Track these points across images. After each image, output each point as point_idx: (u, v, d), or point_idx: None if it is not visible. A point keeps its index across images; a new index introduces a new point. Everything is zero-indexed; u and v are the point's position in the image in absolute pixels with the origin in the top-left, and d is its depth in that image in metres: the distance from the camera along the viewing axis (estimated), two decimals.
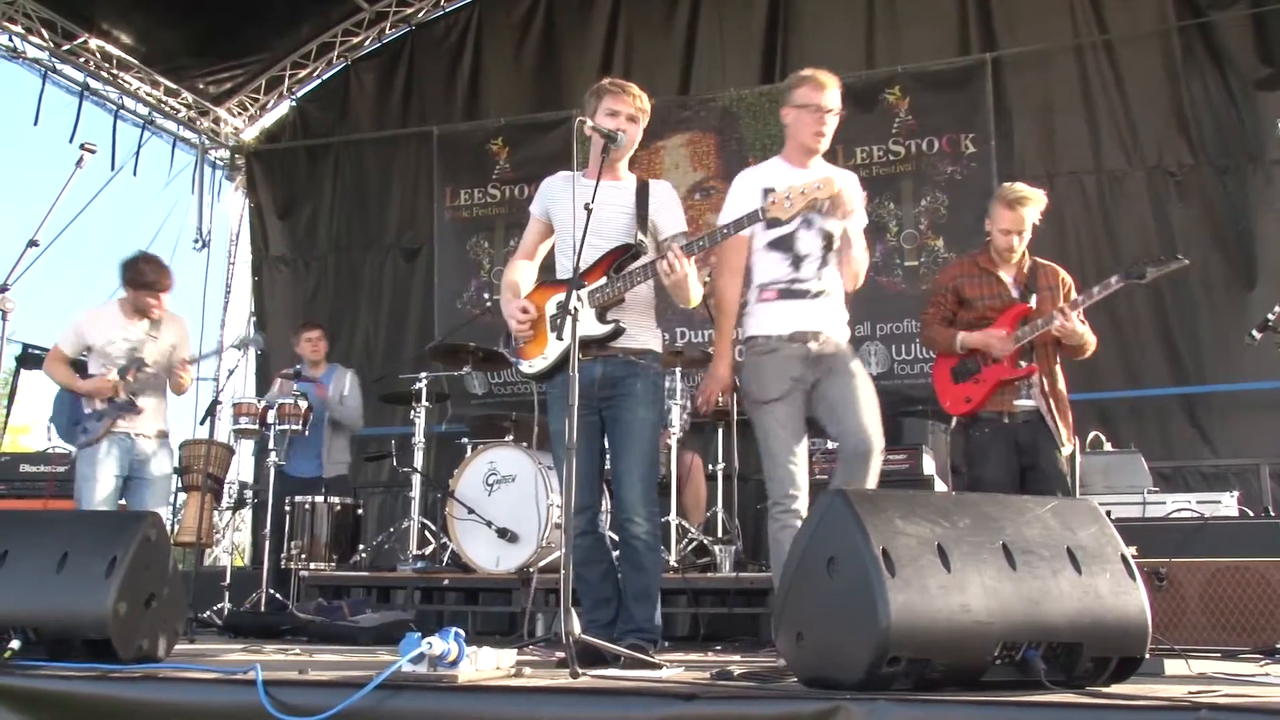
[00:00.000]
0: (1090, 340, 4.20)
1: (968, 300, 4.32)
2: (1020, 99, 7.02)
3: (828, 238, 3.58)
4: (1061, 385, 4.24)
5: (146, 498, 4.90)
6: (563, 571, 2.88)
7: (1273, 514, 4.61)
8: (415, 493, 6.08)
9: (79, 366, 5.01)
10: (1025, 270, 4.30)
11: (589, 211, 3.14)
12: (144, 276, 4.89)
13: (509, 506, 5.41)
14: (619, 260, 3.46)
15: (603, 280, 3.42)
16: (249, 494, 7.06)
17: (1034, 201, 4.22)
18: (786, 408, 3.48)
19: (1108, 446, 5.32)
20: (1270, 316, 4.30)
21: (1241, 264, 6.47)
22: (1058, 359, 4.25)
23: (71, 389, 4.99)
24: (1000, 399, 4.18)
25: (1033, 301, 4.24)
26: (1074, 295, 4.26)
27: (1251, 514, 4.87)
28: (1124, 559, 2.39)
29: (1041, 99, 7.02)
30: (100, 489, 4.75)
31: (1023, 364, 4.17)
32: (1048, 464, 4.14)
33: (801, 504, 3.40)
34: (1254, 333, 4.33)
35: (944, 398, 4.32)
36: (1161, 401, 6.57)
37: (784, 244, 3.57)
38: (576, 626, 2.79)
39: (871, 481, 3.42)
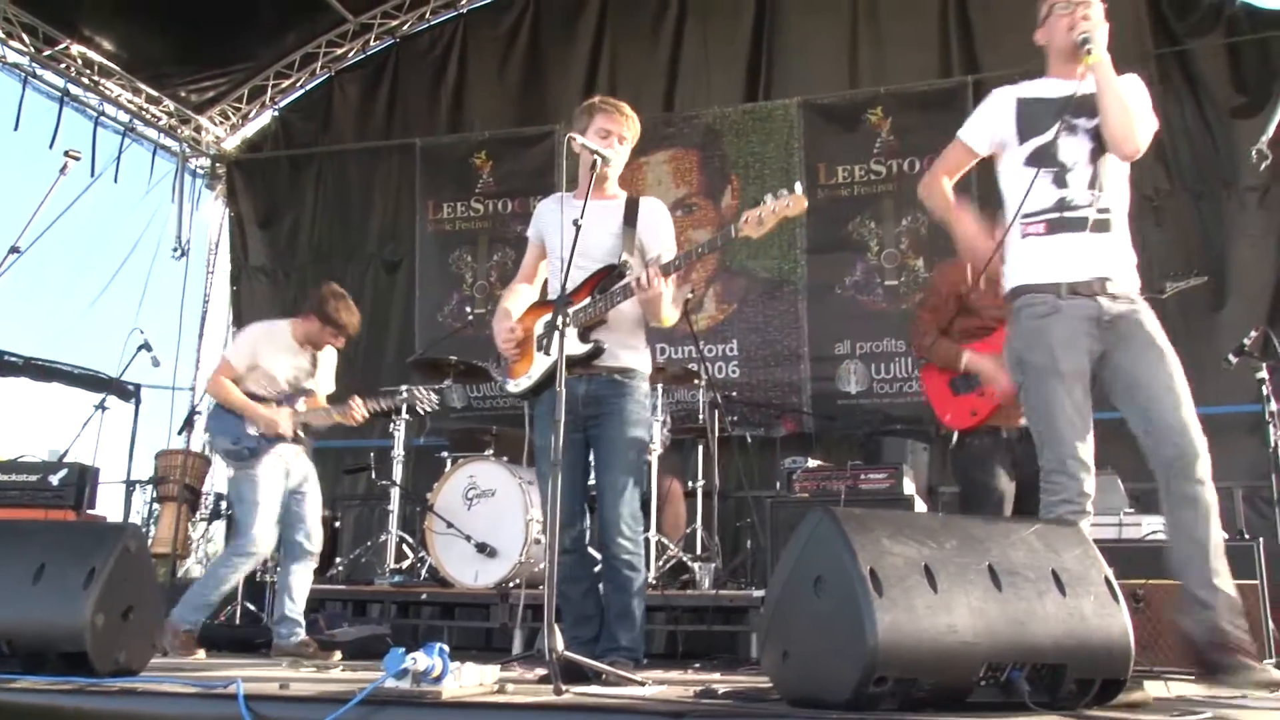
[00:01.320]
0: None
1: (973, 308, 4.12)
2: None
3: (1098, 139, 2.99)
4: None
5: (306, 508, 4.80)
6: (547, 588, 2.87)
7: (1246, 536, 4.64)
8: (393, 506, 6.04)
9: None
10: None
11: (577, 228, 3.14)
12: (338, 318, 4.77)
13: (488, 521, 5.39)
14: (603, 281, 3.47)
15: (586, 301, 3.45)
16: (225, 505, 6.99)
17: None
18: (1083, 385, 2.93)
19: None
20: (1246, 341, 4.36)
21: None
22: None
23: (244, 414, 4.68)
24: (1005, 414, 3.99)
25: None
26: None
27: (1226, 536, 4.90)
28: (1107, 581, 2.40)
29: None
30: (266, 508, 4.62)
31: None
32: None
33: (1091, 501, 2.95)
34: (1230, 357, 4.39)
35: (943, 410, 4.13)
36: None
37: (1044, 156, 2.99)
38: (560, 643, 2.77)
39: (1206, 511, 2.96)
